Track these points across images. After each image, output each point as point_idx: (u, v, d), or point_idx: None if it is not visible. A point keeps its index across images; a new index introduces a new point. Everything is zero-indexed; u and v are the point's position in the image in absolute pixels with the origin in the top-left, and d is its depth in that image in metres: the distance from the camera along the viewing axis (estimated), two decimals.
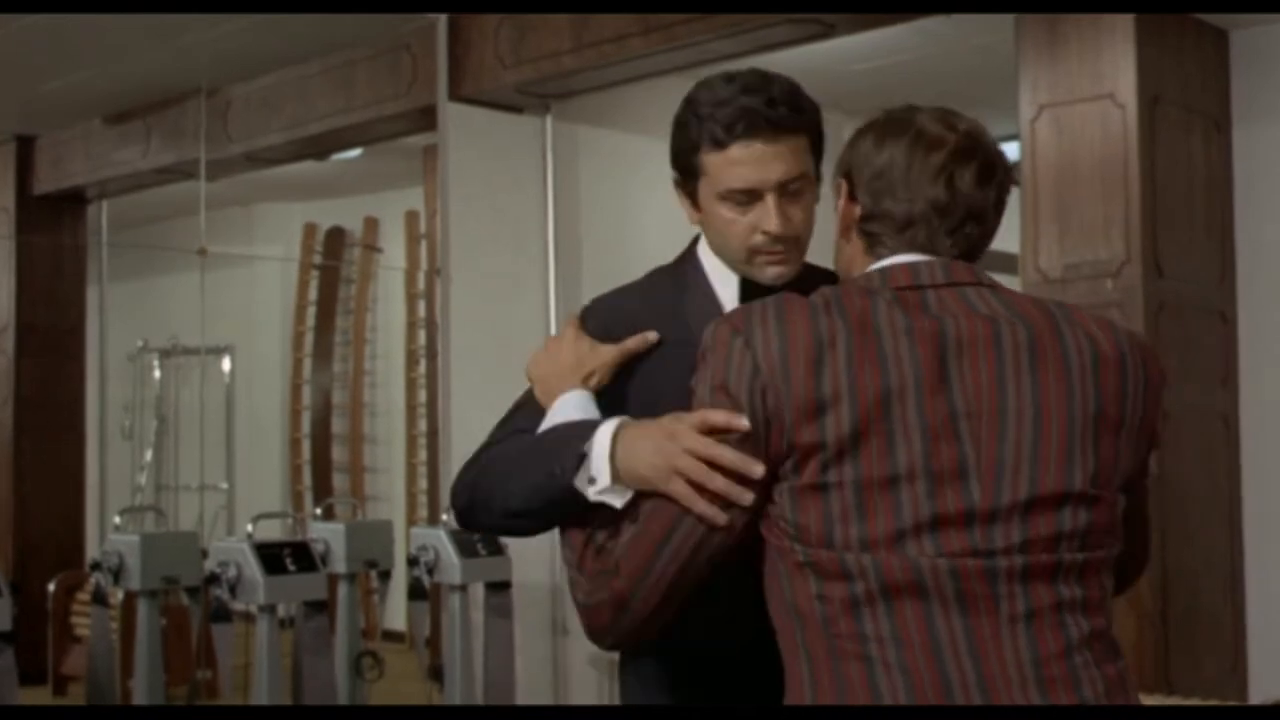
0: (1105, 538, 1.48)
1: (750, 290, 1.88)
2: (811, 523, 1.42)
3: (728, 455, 1.44)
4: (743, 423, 1.44)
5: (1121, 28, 4.06)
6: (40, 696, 6.42)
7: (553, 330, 5.20)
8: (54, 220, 7.34)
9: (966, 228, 1.55)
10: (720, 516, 1.46)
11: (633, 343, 1.84)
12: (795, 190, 1.84)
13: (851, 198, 1.60)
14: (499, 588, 4.91)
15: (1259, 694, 4.30)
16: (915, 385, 1.42)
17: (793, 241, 1.86)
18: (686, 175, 1.89)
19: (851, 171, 1.60)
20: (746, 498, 1.45)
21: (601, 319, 1.92)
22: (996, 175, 1.56)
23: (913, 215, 1.54)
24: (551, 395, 1.78)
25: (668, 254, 2.06)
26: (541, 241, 5.43)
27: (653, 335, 1.85)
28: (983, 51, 5.21)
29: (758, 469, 1.44)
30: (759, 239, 1.84)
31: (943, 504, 1.40)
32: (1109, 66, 4.07)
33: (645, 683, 1.89)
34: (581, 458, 1.60)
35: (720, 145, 1.82)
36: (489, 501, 1.81)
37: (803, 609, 1.44)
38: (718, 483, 1.45)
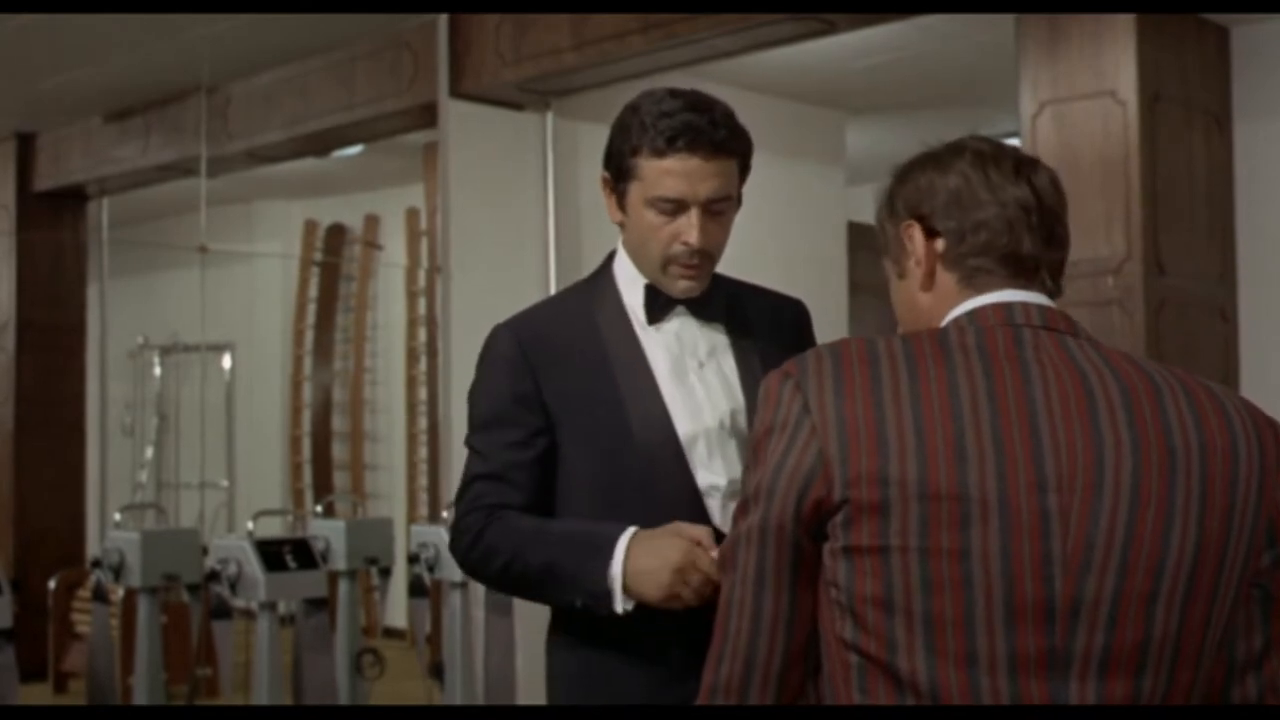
0: (1203, 655, 1.35)
1: (654, 300, 1.99)
2: (870, 593, 1.32)
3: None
4: None
5: (1122, 25, 4.06)
6: (41, 693, 6.42)
7: None
8: (54, 217, 7.34)
9: (1056, 228, 1.46)
10: None
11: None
12: (719, 210, 1.94)
13: (929, 235, 1.47)
14: None
15: None
16: (995, 451, 1.30)
17: (708, 257, 1.96)
18: (619, 176, 1.98)
19: (921, 206, 1.47)
20: None
21: (513, 331, 2.00)
22: (1060, 185, 1.48)
23: (1007, 217, 1.43)
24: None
25: None
26: (542, 238, 5.42)
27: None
28: (984, 48, 5.21)
29: None
30: (678, 249, 1.94)
31: (1021, 602, 1.29)
32: (1110, 63, 4.07)
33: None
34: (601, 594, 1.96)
35: (660, 154, 1.91)
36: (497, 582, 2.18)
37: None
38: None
